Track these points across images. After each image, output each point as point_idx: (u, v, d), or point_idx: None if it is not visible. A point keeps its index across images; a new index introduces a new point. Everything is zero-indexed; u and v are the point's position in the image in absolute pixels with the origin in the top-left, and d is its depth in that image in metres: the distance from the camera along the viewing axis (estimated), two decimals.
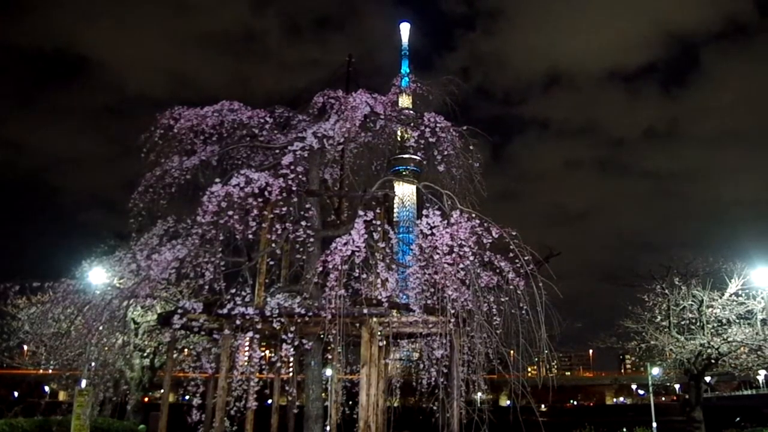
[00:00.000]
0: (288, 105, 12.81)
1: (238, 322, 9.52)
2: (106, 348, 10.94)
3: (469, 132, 11.38)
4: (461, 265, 9.00)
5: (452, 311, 8.73)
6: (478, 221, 9.51)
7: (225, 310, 9.62)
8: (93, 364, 11.47)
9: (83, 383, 12.74)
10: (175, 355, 12.59)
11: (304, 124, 12.13)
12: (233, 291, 9.94)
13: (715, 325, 22.13)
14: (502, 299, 9.49)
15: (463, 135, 11.35)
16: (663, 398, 76.21)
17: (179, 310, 9.71)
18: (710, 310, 22.11)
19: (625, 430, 30.13)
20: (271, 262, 10.99)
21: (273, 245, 10.76)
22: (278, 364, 10.83)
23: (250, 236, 10.38)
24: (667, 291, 22.96)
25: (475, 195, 10.84)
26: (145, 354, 20.62)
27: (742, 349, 22.01)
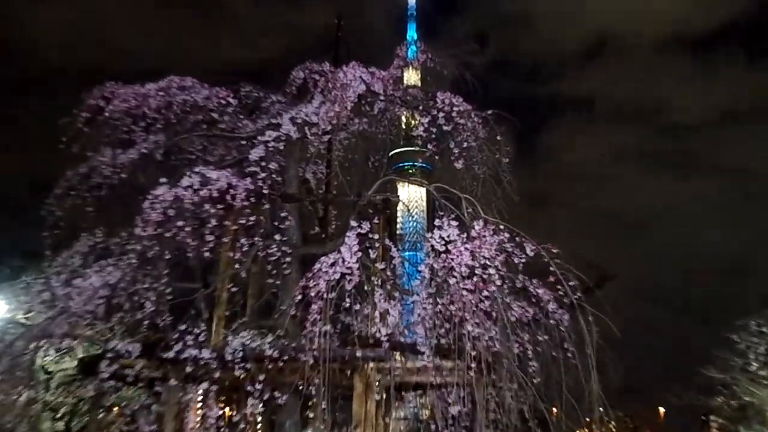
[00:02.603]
0: (255, 81, 12.91)
1: (188, 369, 9.53)
2: (4, 407, 10.88)
3: (495, 117, 11.44)
4: (485, 293, 9.02)
5: (473, 354, 8.74)
6: (507, 235, 9.55)
7: (171, 353, 9.62)
8: None
9: None
10: (101, 416, 12.55)
11: (278, 107, 12.27)
12: (182, 327, 9.96)
13: None
14: (540, 338, 9.50)
15: (488, 121, 11.41)
16: None
17: (108, 354, 9.71)
18: None
19: None
20: (234, 289, 11.01)
21: (237, 266, 10.79)
22: (242, 426, 10.81)
23: (207, 254, 10.42)
24: (765, 329, 22.94)
25: (503, 200, 10.90)
26: (59, 415, 20.49)
27: None
